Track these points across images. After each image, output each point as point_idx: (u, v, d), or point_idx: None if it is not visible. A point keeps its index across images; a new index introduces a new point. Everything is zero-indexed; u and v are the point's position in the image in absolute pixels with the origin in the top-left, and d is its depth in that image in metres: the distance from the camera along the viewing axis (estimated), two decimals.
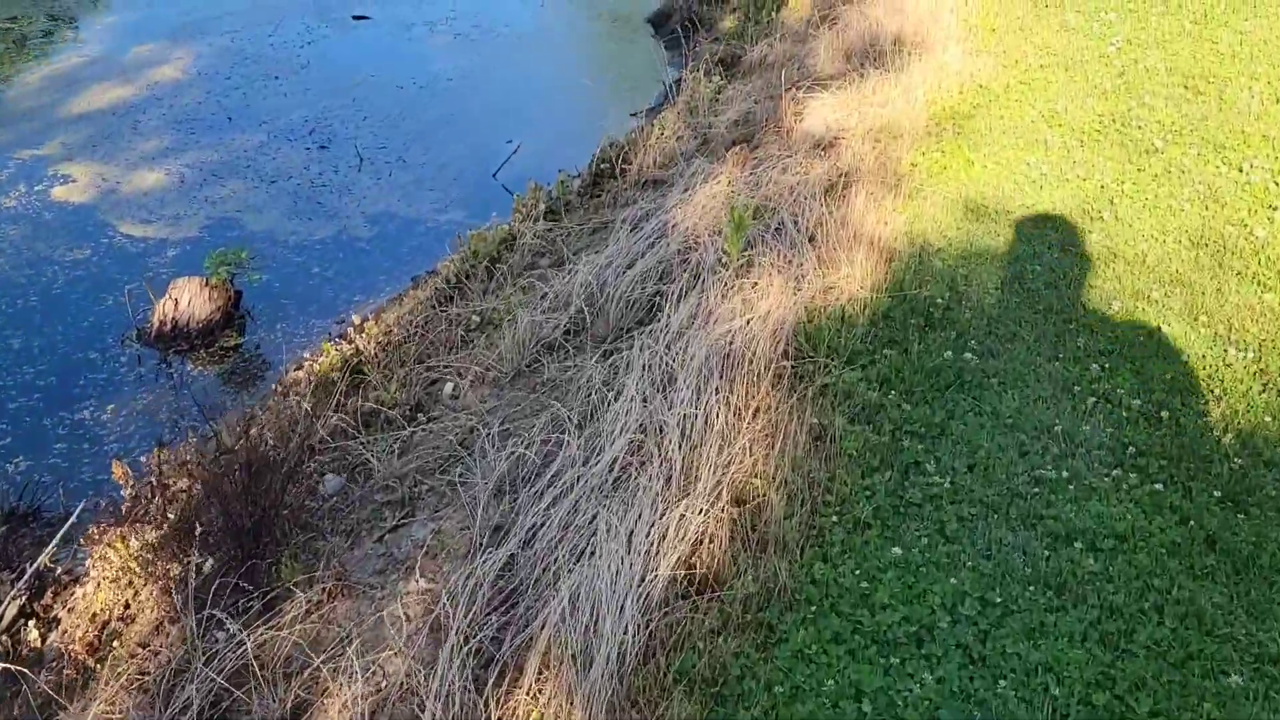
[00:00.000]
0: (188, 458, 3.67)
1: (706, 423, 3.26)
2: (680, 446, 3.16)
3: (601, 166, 6.51)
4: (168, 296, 5.44)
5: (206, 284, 5.45)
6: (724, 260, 4.18)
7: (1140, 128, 5.31)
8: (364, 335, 4.82)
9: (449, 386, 4.21)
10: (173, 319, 5.39)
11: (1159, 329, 3.69)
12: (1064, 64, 6.13)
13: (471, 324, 4.70)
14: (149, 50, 9.03)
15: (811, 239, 4.46)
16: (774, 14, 9.05)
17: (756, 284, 4.07)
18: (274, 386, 4.46)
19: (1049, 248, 4.27)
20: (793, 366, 3.60)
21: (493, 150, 7.60)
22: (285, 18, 9.96)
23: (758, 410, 3.39)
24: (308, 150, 7.51)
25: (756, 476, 3.08)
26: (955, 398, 3.36)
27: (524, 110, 8.37)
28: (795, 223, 4.54)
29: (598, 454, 3.18)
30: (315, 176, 7.16)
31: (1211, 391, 3.37)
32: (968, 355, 3.53)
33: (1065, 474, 3.00)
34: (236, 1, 10.35)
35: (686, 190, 5.26)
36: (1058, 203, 4.64)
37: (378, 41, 9.69)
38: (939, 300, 3.89)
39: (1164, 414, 3.22)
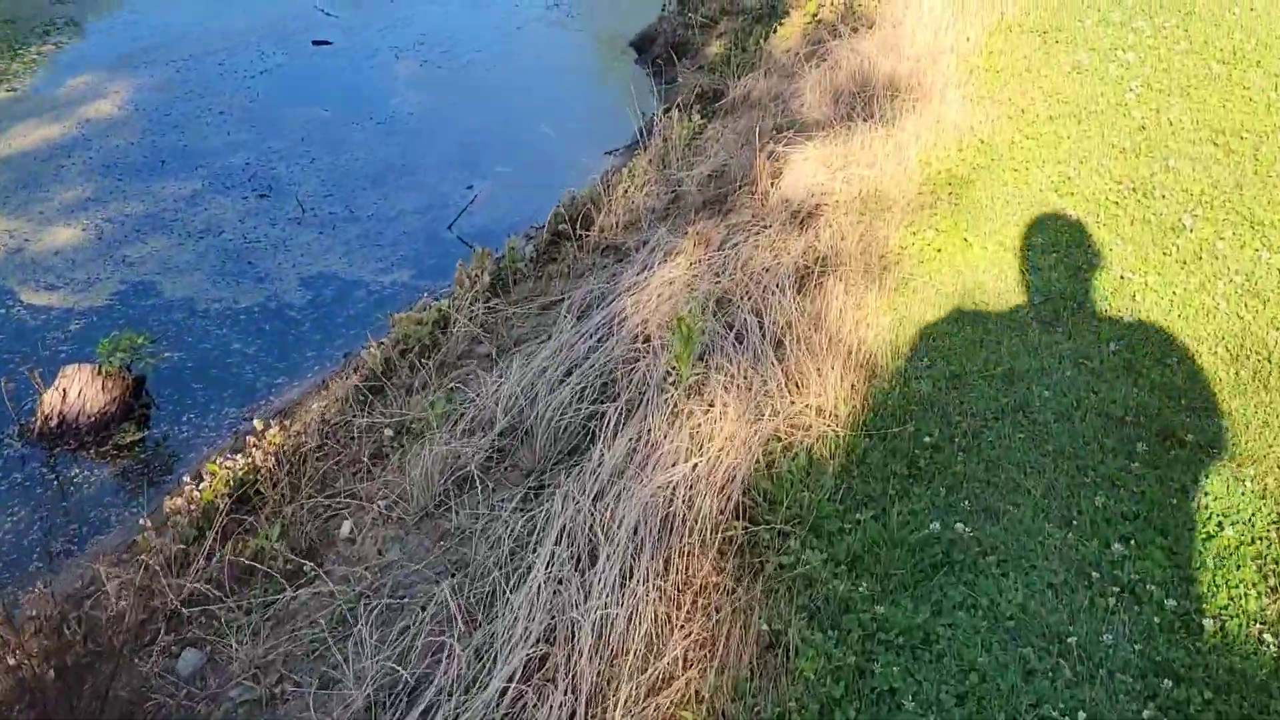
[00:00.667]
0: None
1: (631, 623, 2.59)
2: (593, 659, 2.49)
3: (559, 227, 5.84)
4: (56, 386, 4.78)
5: (100, 372, 4.80)
6: (672, 378, 3.50)
7: (1164, 197, 4.62)
8: (264, 445, 4.16)
9: (346, 526, 3.55)
10: (60, 413, 4.74)
11: (1195, 483, 3.01)
12: (1076, 114, 5.44)
13: (386, 437, 4.04)
14: (85, 83, 8.38)
15: (779, 344, 3.78)
16: (762, 41, 8.36)
17: (710, 408, 3.39)
18: (143, 521, 3.80)
19: (1059, 361, 3.58)
20: (745, 531, 2.93)
21: (452, 197, 6.95)
22: (239, 45, 9.31)
23: (697, 599, 2.71)
24: (245, 199, 6.85)
25: (687, 709, 2.41)
26: (943, 585, 2.68)
27: (490, 149, 7.71)
28: (761, 323, 3.86)
29: (488, 671, 2.51)
30: (250, 231, 6.50)
31: (1266, 580, 2.69)
32: (959, 525, 2.85)
33: (1082, 715, 2.31)
34: (188, 27, 9.71)
35: (643, 270, 4.58)
36: (1069, 299, 3.95)
37: (337, 71, 9.02)
38: (926, 438, 3.21)
39: (1206, 622, 2.54)
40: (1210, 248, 4.21)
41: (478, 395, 3.81)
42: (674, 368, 3.53)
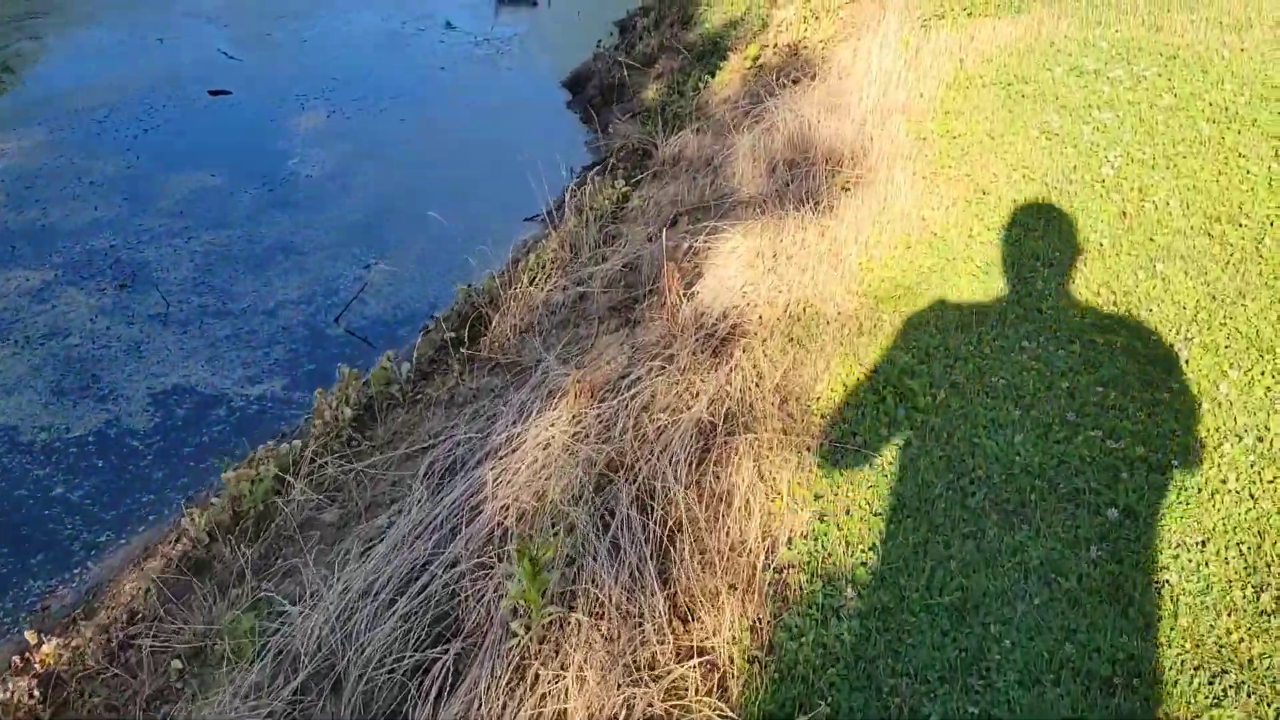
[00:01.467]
0: None
1: None
2: None
3: (447, 335, 4.98)
4: None
5: None
6: (522, 618, 2.65)
7: (1152, 311, 3.80)
8: (36, 667, 3.29)
9: None
10: None
11: None
12: (1045, 193, 4.61)
13: (173, 670, 3.17)
14: None
15: (666, 552, 2.93)
16: (700, 86, 7.51)
17: (563, 671, 2.54)
18: None
19: (1025, 577, 2.75)
20: None
21: (345, 282, 6.09)
22: (130, 97, 8.40)
23: None
24: (102, 292, 5.96)
25: None
26: None
27: (397, 218, 6.85)
28: (647, 520, 3.01)
29: None
30: (101, 333, 5.61)
31: None
32: None
33: None
34: (73, 78, 8.80)
35: (521, 417, 3.73)
36: (1039, 477, 3.12)
37: (231, 126, 8.13)
38: None
39: None
40: (1211, 391, 3.38)
41: (286, 630, 2.94)
42: (523, 603, 2.68)
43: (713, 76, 7.44)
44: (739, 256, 4.60)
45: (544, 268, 5.56)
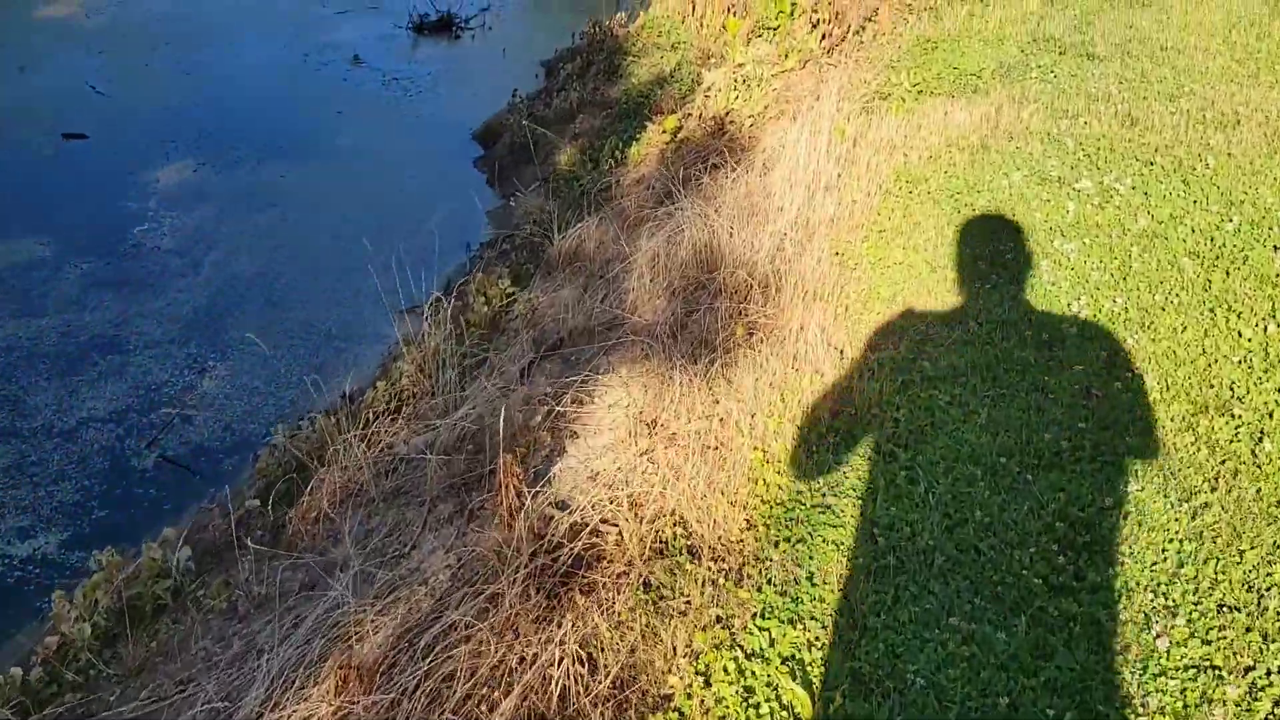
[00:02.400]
0: None
1: None
2: None
3: (250, 504, 3.98)
4: None
5: None
6: None
7: (1122, 565, 2.89)
8: None
9: None
10: None
11: None
12: (991, 360, 3.71)
13: None
14: None
15: None
16: (616, 156, 6.56)
17: None
18: None
19: None
20: None
21: (171, 391, 5.08)
22: None
23: None
24: None
25: None
26: None
27: (249, 307, 5.85)
28: None
29: None
30: None
31: None
32: None
33: None
34: None
35: (277, 686, 2.75)
36: None
37: (81, 179, 7.07)
38: None
39: None
40: (1193, 680, 2.48)
41: None
42: None
43: (628, 148, 6.49)
44: (614, 423, 3.65)
45: (395, 398, 4.59)
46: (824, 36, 6.38)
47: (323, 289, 6.09)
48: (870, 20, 7.64)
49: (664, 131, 6.11)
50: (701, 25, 7.98)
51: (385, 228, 6.69)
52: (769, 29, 7.62)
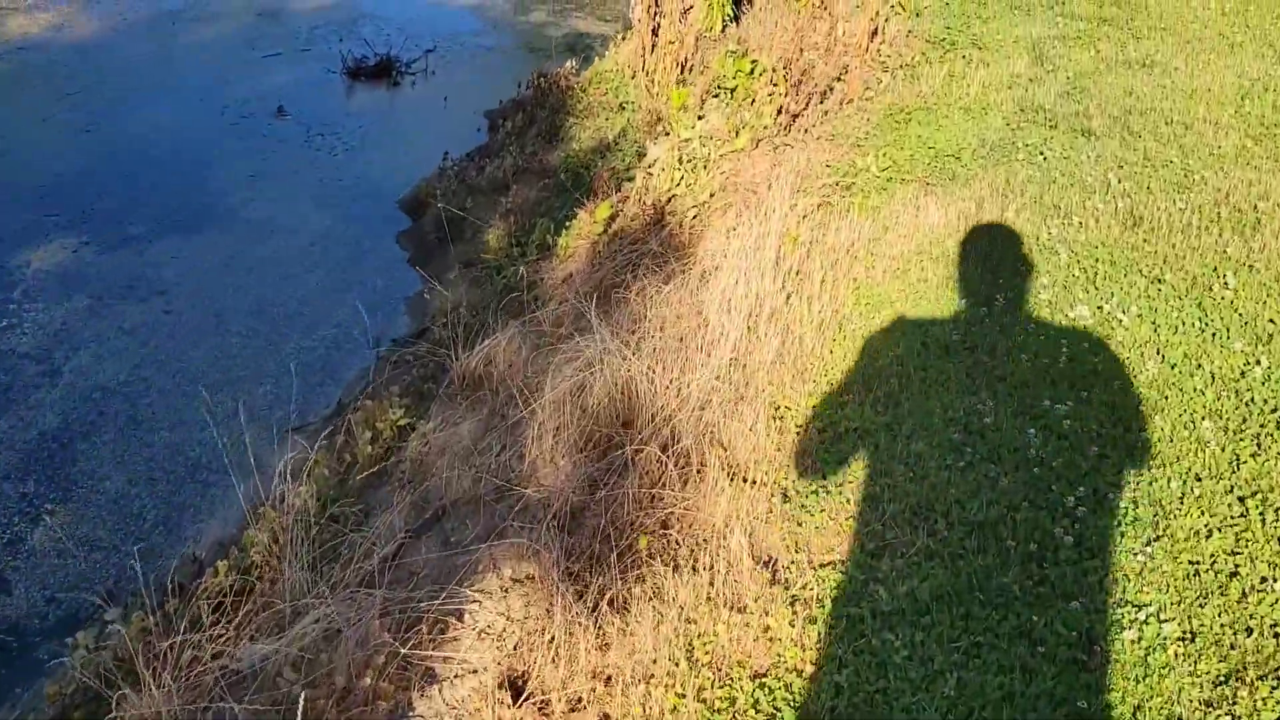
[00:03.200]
0: None
1: None
2: None
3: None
4: None
5: None
6: None
7: None
8: None
9: None
10: None
11: None
12: (965, 583, 2.88)
13: None
14: None
15: None
16: (548, 240, 5.74)
17: None
18: None
19: None
20: None
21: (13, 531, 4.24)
22: None
23: None
24: None
25: None
26: None
27: (104, 431, 5.01)
28: None
29: None
30: None
31: None
32: None
33: None
34: None
35: None
36: None
37: None
38: None
39: None
40: None
41: None
42: None
43: (559, 235, 5.67)
44: (480, 663, 2.81)
45: (249, 570, 3.76)
46: (780, 110, 5.56)
47: (200, 403, 5.24)
48: (840, 79, 6.84)
49: (596, 221, 5.28)
50: (653, 82, 7.17)
51: (286, 321, 5.86)
52: (726, 89, 6.81)
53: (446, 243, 6.71)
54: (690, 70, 7.46)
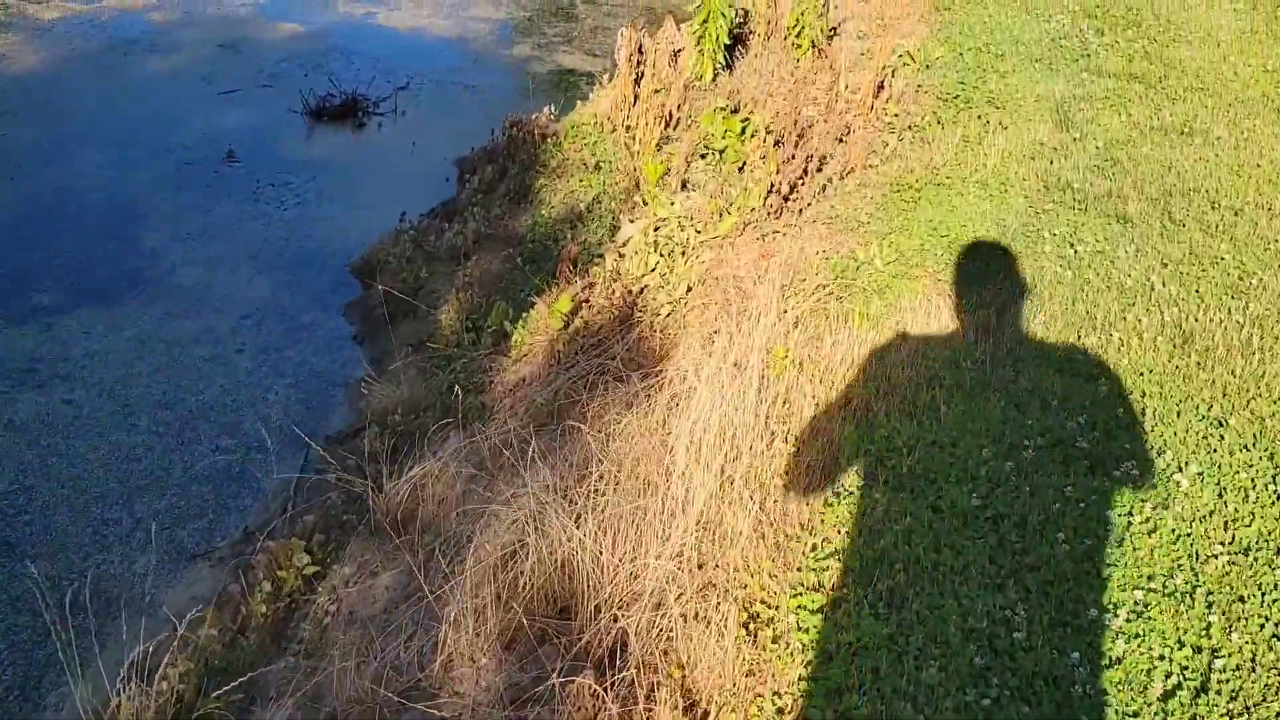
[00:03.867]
0: None
1: None
2: None
3: None
4: None
5: None
6: None
7: None
8: None
9: None
10: None
11: None
12: None
13: None
14: None
15: None
16: (507, 325, 5.01)
17: None
18: None
19: None
20: None
21: None
22: None
23: None
24: None
25: None
26: None
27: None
28: None
29: None
30: None
31: None
32: None
33: None
34: None
35: None
36: None
37: None
38: None
39: None
40: None
41: None
42: None
43: (517, 322, 4.94)
44: None
45: None
46: (772, 189, 4.83)
47: (90, 521, 4.51)
48: (842, 140, 6.12)
49: (555, 315, 4.55)
50: (633, 139, 6.46)
51: (203, 415, 5.14)
52: (715, 150, 6.09)
53: (399, 318, 5.98)
54: (676, 125, 6.75)
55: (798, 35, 7.06)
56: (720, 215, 4.70)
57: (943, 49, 7.13)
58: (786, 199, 4.85)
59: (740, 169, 6.05)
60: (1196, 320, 4.09)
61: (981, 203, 5.09)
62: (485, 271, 5.95)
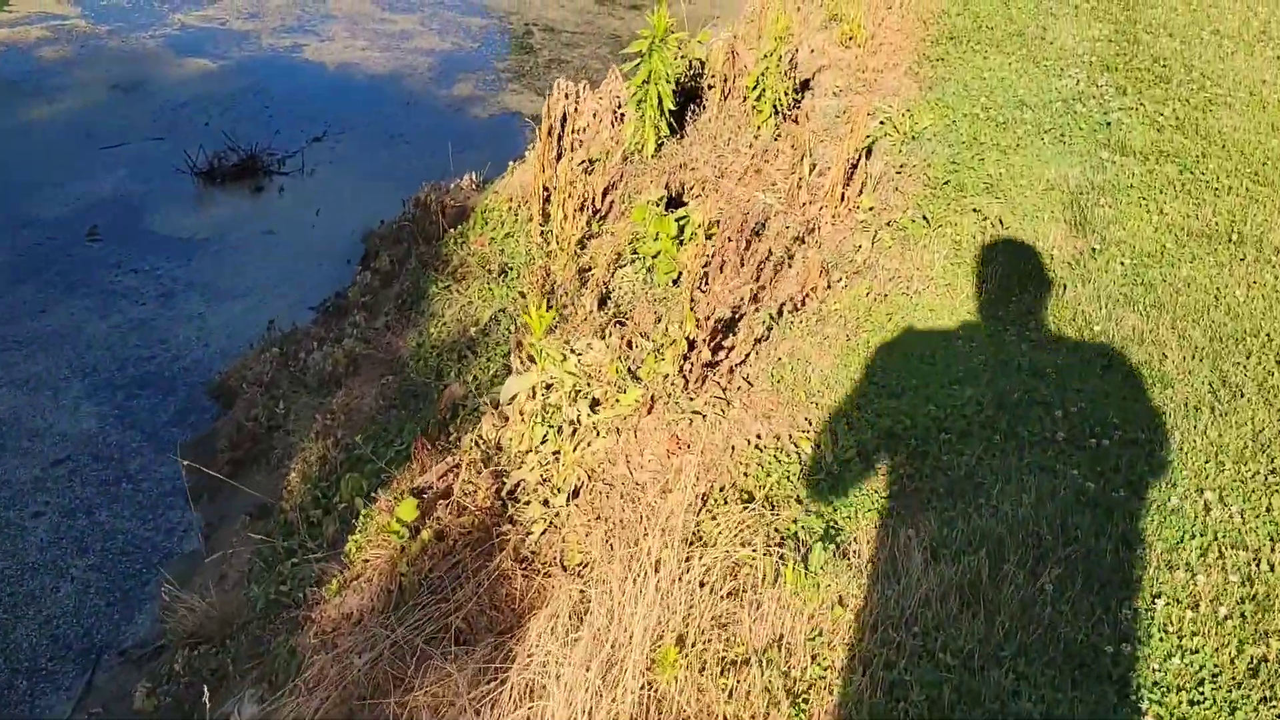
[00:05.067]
0: None
1: None
2: None
3: None
4: None
5: None
6: None
7: None
8: None
9: None
10: None
11: None
12: None
13: None
14: None
15: None
16: (359, 504, 3.82)
17: None
18: None
19: None
20: None
21: None
22: None
23: None
24: None
25: None
26: None
27: None
28: None
29: None
30: None
31: None
32: None
33: None
34: None
35: None
36: None
37: None
38: None
39: None
40: None
41: None
42: None
43: (370, 504, 3.74)
44: None
45: None
46: (692, 348, 3.61)
47: None
48: (801, 241, 4.91)
49: (395, 530, 3.34)
50: (551, 232, 5.25)
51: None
52: (645, 258, 4.89)
53: (249, 466, 4.80)
54: (608, 212, 5.54)
55: (758, 98, 5.84)
56: (622, 389, 3.50)
57: (932, 115, 5.91)
58: (714, 357, 3.64)
59: (676, 280, 4.85)
60: (1273, 573, 2.87)
61: (974, 358, 3.88)
62: (355, 409, 4.75)
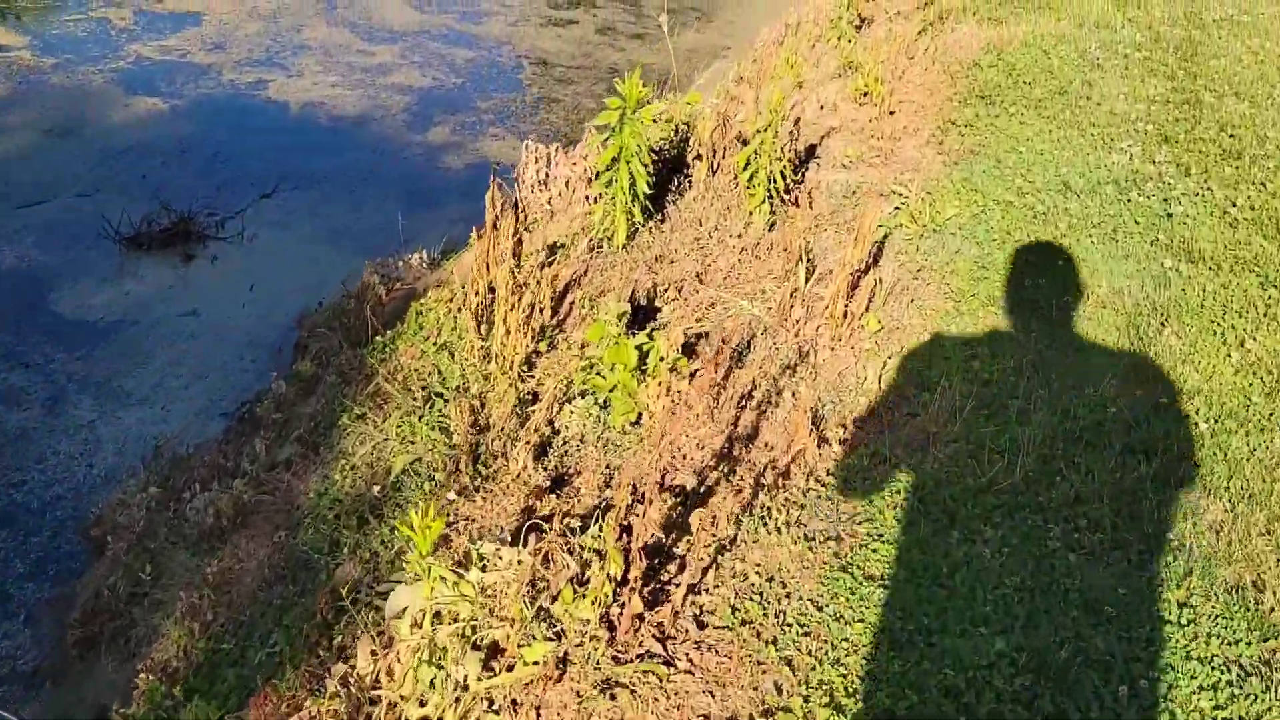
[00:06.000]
0: None
1: None
2: None
3: None
4: None
5: None
6: None
7: None
8: None
9: None
10: None
11: None
12: None
13: None
14: None
15: None
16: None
17: None
18: None
19: None
20: None
21: None
22: None
23: None
24: None
25: None
26: None
27: None
28: None
29: None
30: None
31: None
32: None
33: None
34: None
35: None
36: None
37: None
38: None
39: None
40: None
41: None
42: None
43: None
44: None
45: None
46: (628, 568, 2.68)
47: None
48: (794, 370, 3.97)
49: None
50: (491, 348, 4.34)
51: None
52: (597, 393, 3.96)
53: (118, 636, 3.90)
54: (566, 318, 4.62)
55: (750, 179, 4.90)
56: (527, 634, 2.56)
57: (958, 201, 4.95)
58: (649, 600, 2.69)
59: (636, 421, 3.92)
60: None
61: (1004, 573, 2.91)
62: (236, 579, 3.85)
